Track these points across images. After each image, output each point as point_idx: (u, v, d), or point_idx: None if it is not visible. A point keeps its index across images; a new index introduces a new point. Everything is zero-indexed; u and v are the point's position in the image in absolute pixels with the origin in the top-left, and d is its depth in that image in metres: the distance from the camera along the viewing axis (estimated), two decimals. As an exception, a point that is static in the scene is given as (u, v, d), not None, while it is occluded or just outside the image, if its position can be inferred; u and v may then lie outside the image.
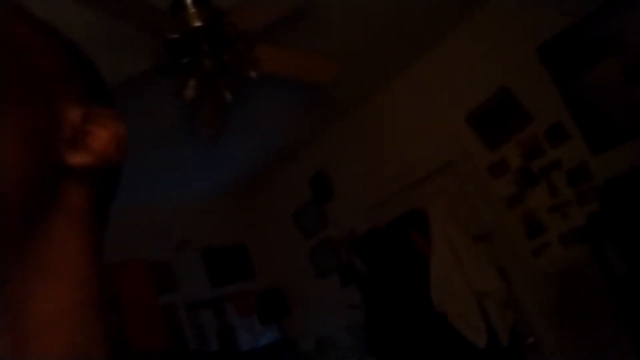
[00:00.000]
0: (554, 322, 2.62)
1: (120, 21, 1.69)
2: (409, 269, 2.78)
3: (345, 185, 3.61)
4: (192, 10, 1.92)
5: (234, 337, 3.56)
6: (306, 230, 3.88)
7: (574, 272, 2.55)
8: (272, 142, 3.51)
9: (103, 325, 0.32)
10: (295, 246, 3.95)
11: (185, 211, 3.77)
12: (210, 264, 3.75)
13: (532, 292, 2.71)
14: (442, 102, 3.02)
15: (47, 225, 0.30)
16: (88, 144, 0.33)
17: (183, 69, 2.01)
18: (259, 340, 3.69)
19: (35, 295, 0.29)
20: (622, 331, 2.29)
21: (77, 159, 0.32)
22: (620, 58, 2.39)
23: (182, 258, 3.58)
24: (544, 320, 2.65)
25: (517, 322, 2.66)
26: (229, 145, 3.17)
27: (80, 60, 0.38)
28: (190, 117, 2.55)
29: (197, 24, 1.92)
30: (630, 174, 2.33)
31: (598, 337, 2.48)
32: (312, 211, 3.81)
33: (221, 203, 4.08)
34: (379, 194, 3.31)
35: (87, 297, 0.31)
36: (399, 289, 2.79)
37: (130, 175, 0.35)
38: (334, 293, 3.68)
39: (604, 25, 2.41)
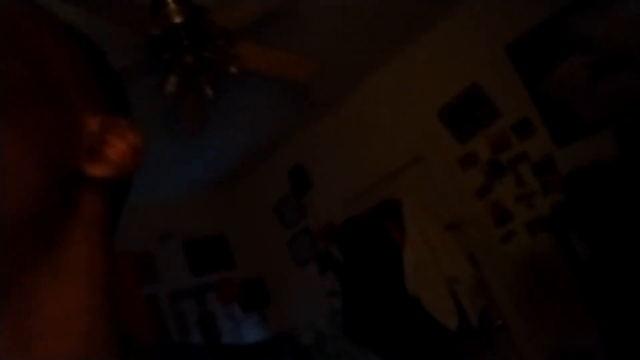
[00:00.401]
0: (521, 306, 2.76)
1: (101, 17, 1.71)
2: (383, 257, 2.89)
3: (324, 178, 3.70)
4: (173, 6, 1.95)
5: (215, 325, 3.63)
6: (286, 221, 3.96)
7: (540, 258, 2.69)
8: (252, 136, 3.57)
9: (112, 326, 0.32)
10: (275, 236, 4.03)
11: (167, 203, 3.81)
12: (192, 255, 3.80)
13: (500, 277, 2.84)
14: (415, 98, 3.13)
15: (64, 232, 0.30)
16: (105, 154, 0.33)
17: (164, 65, 2.05)
18: (240, 326, 3.77)
19: (47, 297, 0.29)
20: (586, 313, 2.42)
21: (95, 169, 0.32)
22: (585, 56, 2.50)
23: (164, 249, 3.62)
24: (512, 304, 2.79)
25: (487, 305, 2.79)
26: (210, 139, 3.22)
27: (103, 67, 0.38)
28: (171, 112, 2.60)
29: (178, 20, 1.96)
30: (593, 166, 2.46)
31: (563, 319, 2.62)
32: (291, 203, 3.90)
33: (203, 195, 4.13)
34: (355, 186, 3.40)
35: (97, 299, 0.31)
36: (374, 275, 2.90)
37: None
38: (312, 281, 3.77)
39: (570, 24, 2.51)
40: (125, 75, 2.03)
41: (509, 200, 2.80)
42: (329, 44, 2.73)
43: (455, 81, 2.94)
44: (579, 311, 2.50)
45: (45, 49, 0.32)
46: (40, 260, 0.29)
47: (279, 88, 2.89)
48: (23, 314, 0.28)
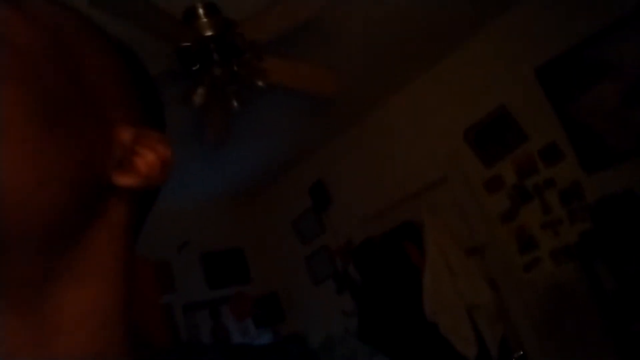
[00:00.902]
0: (542, 336, 2.68)
1: (132, 26, 1.74)
2: (402, 279, 2.84)
3: (344, 195, 3.68)
4: (204, 19, 1.99)
5: (228, 340, 3.60)
6: (304, 237, 3.94)
7: (564, 288, 2.61)
8: (274, 150, 3.58)
9: (127, 326, 0.33)
10: (292, 252, 4.00)
11: (187, 213, 3.82)
12: (208, 267, 3.80)
13: (522, 306, 2.76)
14: (441, 118, 3.10)
15: (89, 236, 0.31)
16: (135, 165, 0.34)
17: (193, 76, 2.07)
18: (254, 343, 3.73)
19: (67, 297, 0.30)
20: (610, 348, 2.34)
21: (123, 179, 0.33)
22: (616, 82, 2.45)
23: (182, 259, 3.62)
24: (533, 334, 2.70)
25: (507, 334, 2.71)
26: (233, 151, 3.23)
27: (141, 79, 0.39)
28: (196, 123, 2.61)
29: (209, 33, 1.99)
30: (622, 195, 2.40)
31: (585, 352, 2.53)
32: (310, 219, 3.87)
33: (222, 207, 4.14)
34: (376, 205, 3.37)
35: (114, 301, 0.32)
36: (391, 298, 2.85)
37: None
38: (328, 299, 3.72)
39: (602, 50, 2.48)
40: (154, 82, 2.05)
41: (534, 226, 2.73)
42: (355, 60, 2.73)
43: (483, 102, 2.90)
44: (603, 345, 2.42)
45: (85, 58, 0.33)
46: (66, 262, 0.30)
47: (304, 103, 2.90)
48: (43, 313, 0.29)
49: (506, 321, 2.74)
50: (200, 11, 1.98)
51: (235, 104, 2.16)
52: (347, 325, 3.54)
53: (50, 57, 0.31)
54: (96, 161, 0.31)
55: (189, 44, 1.97)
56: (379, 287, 2.96)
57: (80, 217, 0.31)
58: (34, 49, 0.30)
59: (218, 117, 2.36)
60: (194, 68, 2.02)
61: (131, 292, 0.34)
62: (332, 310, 3.68)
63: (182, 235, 3.67)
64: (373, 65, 2.86)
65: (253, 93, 2.33)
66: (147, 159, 0.34)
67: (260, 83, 2.12)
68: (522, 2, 2.72)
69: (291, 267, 4.01)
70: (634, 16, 2.38)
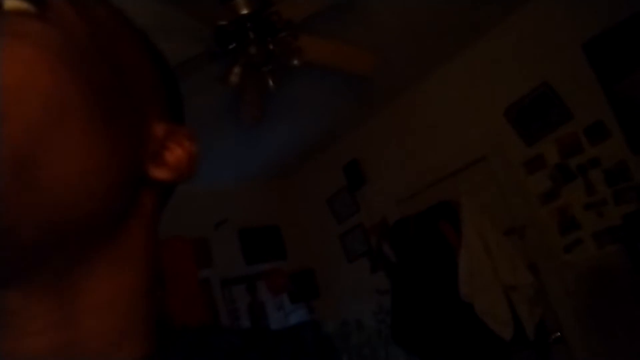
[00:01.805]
0: (581, 318, 2.62)
1: (168, 6, 1.75)
2: (437, 259, 2.82)
3: (379, 174, 3.65)
4: (240, -2, 1.98)
5: (264, 314, 3.68)
6: (338, 216, 3.95)
7: (606, 270, 2.54)
8: (310, 129, 3.57)
9: (152, 308, 0.34)
10: (327, 230, 4.03)
11: (224, 191, 3.89)
12: (245, 243, 3.87)
13: (561, 288, 2.71)
14: (482, 96, 3.01)
15: (124, 225, 0.33)
16: (166, 159, 0.36)
17: (229, 56, 2.08)
18: (288, 318, 3.81)
19: (99, 281, 0.31)
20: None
21: (158, 173, 0.35)
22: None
23: (220, 236, 3.71)
24: (572, 316, 2.66)
25: (545, 316, 2.66)
26: (269, 130, 3.25)
27: (167, 76, 0.40)
28: (233, 101, 2.63)
29: (245, 11, 1.98)
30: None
31: (626, 336, 2.47)
32: (345, 197, 3.88)
33: (259, 185, 4.19)
34: (412, 185, 3.33)
35: (140, 285, 0.33)
36: (426, 277, 2.84)
37: None
38: (362, 278, 3.75)
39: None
40: (190, 63, 2.07)
41: (576, 207, 2.65)
42: (392, 37, 2.67)
43: (526, 79, 2.80)
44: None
45: (127, 55, 0.35)
46: (100, 248, 0.31)
47: (339, 81, 2.87)
48: (75, 295, 0.30)
49: (545, 303, 2.69)
50: (237, -11, 1.97)
51: (270, 83, 2.16)
52: (381, 303, 3.57)
53: (101, 50, 0.32)
54: (137, 154, 0.33)
55: (225, 22, 1.97)
56: (413, 266, 2.95)
57: (121, 207, 0.32)
58: (88, 40, 0.32)
59: (253, 97, 2.36)
60: (230, 47, 2.03)
61: (154, 276, 0.35)
62: (365, 288, 3.71)
63: (220, 213, 3.74)
64: (410, 42, 2.80)
65: (289, 72, 2.32)
66: (177, 154, 0.36)
67: (295, 62, 2.10)
68: (569, -26, 2.59)
69: (326, 245, 4.05)
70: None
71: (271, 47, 2.03)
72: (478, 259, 2.66)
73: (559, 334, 2.69)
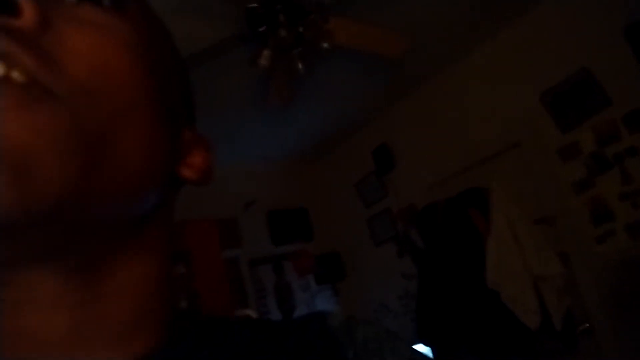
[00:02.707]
0: (611, 311, 2.56)
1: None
2: (465, 246, 2.80)
3: (409, 159, 3.62)
4: (271, -21, 1.97)
5: (290, 295, 3.74)
6: (366, 200, 3.95)
7: (638, 263, 2.47)
8: (339, 112, 3.56)
9: (165, 297, 0.36)
10: (354, 213, 4.04)
11: (253, 173, 3.94)
12: (273, 224, 3.92)
13: (591, 279, 2.65)
14: (516, 80, 2.93)
15: (154, 218, 0.35)
16: (190, 162, 0.38)
17: (259, 39, 2.08)
18: (314, 299, 3.86)
19: (124, 266, 0.32)
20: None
21: (187, 172, 0.38)
22: None
23: (248, 216, 3.76)
24: (602, 308, 2.60)
25: (574, 307, 2.62)
26: (298, 113, 3.26)
27: (189, 83, 0.43)
28: (264, 83, 2.64)
29: (275, -7, 1.98)
30: None
31: (657, 332, 2.41)
32: (373, 181, 3.87)
33: (287, 167, 4.22)
34: (441, 170, 3.29)
35: (159, 273, 0.35)
36: (453, 264, 2.82)
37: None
38: (389, 262, 3.75)
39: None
40: (221, 46, 2.09)
41: (611, 198, 2.58)
42: (424, 19, 2.62)
43: (563, 64, 2.70)
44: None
45: (169, 58, 0.38)
46: (134, 237, 0.33)
47: (370, 65, 2.84)
48: (100, 278, 0.31)
49: (574, 294, 2.64)
50: (267, -29, 1.96)
51: (300, 66, 2.16)
52: (407, 287, 3.57)
53: (158, 52, 0.35)
54: (171, 155, 0.36)
55: (256, 5, 1.97)
56: (440, 252, 2.93)
57: (159, 199, 0.35)
58: (151, 41, 0.34)
59: (283, 80, 2.37)
60: (260, 30, 2.03)
61: (170, 267, 0.37)
62: (391, 272, 3.72)
63: (249, 195, 3.80)
64: (442, 25, 2.73)
65: (319, 55, 2.31)
66: (198, 157, 0.39)
67: (325, 45, 2.09)
68: (613, -47, 2.47)
69: (353, 228, 4.06)
70: None
71: (301, 29, 2.02)
72: (506, 247, 2.63)
73: (587, 325, 2.65)
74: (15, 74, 0.24)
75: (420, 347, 3.05)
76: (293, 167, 4.26)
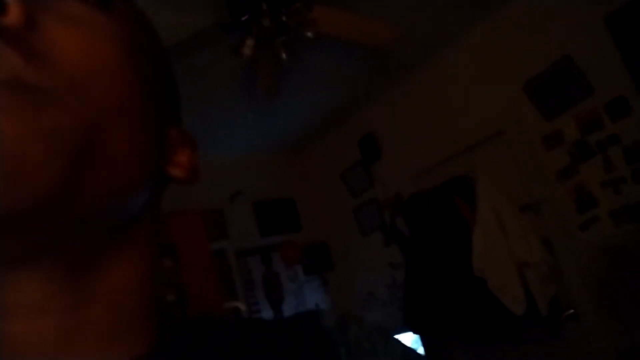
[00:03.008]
0: (595, 296, 2.61)
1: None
2: (451, 234, 2.82)
3: (395, 148, 3.63)
4: (253, -32, 1.95)
5: (279, 285, 3.75)
6: (353, 189, 3.96)
7: (622, 249, 2.51)
8: (325, 102, 3.55)
9: (152, 298, 0.35)
10: (341, 203, 4.04)
11: (239, 164, 3.91)
12: (260, 215, 3.91)
13: (576, 266, 2.69)
14: (500, 69, 2.94)
15: (142, 217, 0.34)
16: (176, 160, 0.38)
17: (242, 28, 2.06)
18: (302, 289, 3.87)
19: (112, 267, 0.32)
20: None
21: (175, 171, 0.37)
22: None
23: (235, 207, 3.75)
24: (586, 294, 2.64)
25: (559, 293, 2.66)
26: (283, 103, 3.24)
27: (174, 81, 0.42)
28: (249, 72, 2.62)
29: (258, -18, 1.95)
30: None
31: (639, 315, 2.45)
32: (359, 171, 3.87)
33: (273, 158, 4.21)
34: (427, 159, 3.31)
35: (147, 273, 0.34)
36: (440, 252, 2.84)
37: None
38: (376, 251, 3.77)
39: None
40: (205, 35, 2.06)
41: (594, 185, 2.61)
42: (408, 9, 2.61)
43: (546, 53, 2.72)
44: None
45: (156, 59, 0.37)
46: (123, 238, 0.33)
47: (355, 54, 2.83)
48: (90, 280, 0.30)
49: (559, 280, 2.68)
50: (250, -41, 1.94)
51: (284, 55, 2.14)
52: (394, 276, 3.60)
53: (145, 50, 0.34)
54: (161, 154, 0.36)
55: (238, -6, 1.95)
56: (427, 240, 2.95)
57: (145, 202, 0.34)
58: (139, 40, 0.34)
59: (268, 70, 2.35)
60: (243, 19, 2.01)
61: (157, 269, 0.37)
62: (379, 261, 3.74)
63: (235, 185, 3.78)
64: (427, 14, 2.73)
65: (303, 44, 2.30)
66: (183, 158, 0.39)
67: (309, 34, 2.07)
68: (595, -59, 2.48)
69: (340, 218, 4.07)
70: None
71: (284, 18, 2.01)
72: (492, 235, 2.66)
73: (572, 311, 2.69)
74: (1, 73, 0.24)
75: (408, 335, 3.08)
76: (279, 157, 4.25)
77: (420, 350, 3.10)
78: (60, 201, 0.25)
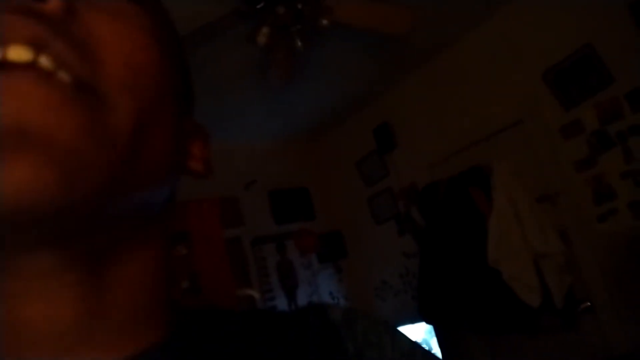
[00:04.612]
0: (612, 289, 2.58)
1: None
2: (466, 224, 2.80)
3: (410, 138, 3.61)
4: (269, -45, 1.94)
5: (293, 273, 3.77)
6: (367, 178, 3.95)
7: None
8: (341, 91, 3.53)
9: (168, 289, 0.35)
10: (355, 192, 4.04)
11: (255, 152, 3.93)
12: (275, 203, 3.93)
13: (593, 257, 2.65)
14: (519, 57, 2.89)
15: (162, 210, 0.35)
16: (192, 152, 0.38)
17: (257, 16, 2.05)
18: (316, 277, 3.89)
19: (130, 257, 0.32)
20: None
21: (194, 165, 0.38)
22: None
23: (250, 195, 3.77)
24: (602, 286, 2.61)
25: (575, 285, 2.63)
26: (299, 92, 3.23)
27: (189, 73, 0.42)
28: (264, 60, 2.62)
29: (273, -31, 1.94)
30: None
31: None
32: (374, 160, 3.86)
33: (289, 146, 4.21)
34: (442, 149, 3.28)
35: (162, 264, 0.35)
36: (454, 243, 2.83)
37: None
38: (390, 240, 3.77)
39: None
40: (219, 23, 2.06)
41: (613, 176, 2.56)
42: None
43: (566, 41, 2.66)
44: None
45: (177, 52, 0.37)
46: (143, 228, 0.33)
47: (370, 42, 2.80)
48: (107, 269, 0.30)
49: (575, 272, 2.65)
50: (266, -54, 1.93)
51: (299, 43, 2.13)
52: (407, 265, 3.59)
53: (168, 44, 0.34)
54: (180, 146, 0.36)
55: (253, -19, 1.94)
56: (442, 230, 2.94)
57: (167, 194, 0.35)
58: (167, 32, 0.34)
59: (282, 58, 2.34)
60: (258, 7, 2.00)
61: (170, 261, 0.37)
62: (393, 250, 3.74)
63: (250, 174, 3.79)
64: (445, 1, 2.69)
65: (319, 32, 2.28)
66: (197, 149, 0.38)
67: (324, 22, 2.06)
68: None
69: (354, 207, 4.07)
70: None
71: (300, 6, 1.99)
72: (508, 225, 2.64)
73: (588, 303, 2.66)
74: (44, 60, 0.24)
75: (422, 325, 3.09)
76: (294, 146, 4.25)
77: (434, 341, 3.10)
78: (108, 193, 0.26)
